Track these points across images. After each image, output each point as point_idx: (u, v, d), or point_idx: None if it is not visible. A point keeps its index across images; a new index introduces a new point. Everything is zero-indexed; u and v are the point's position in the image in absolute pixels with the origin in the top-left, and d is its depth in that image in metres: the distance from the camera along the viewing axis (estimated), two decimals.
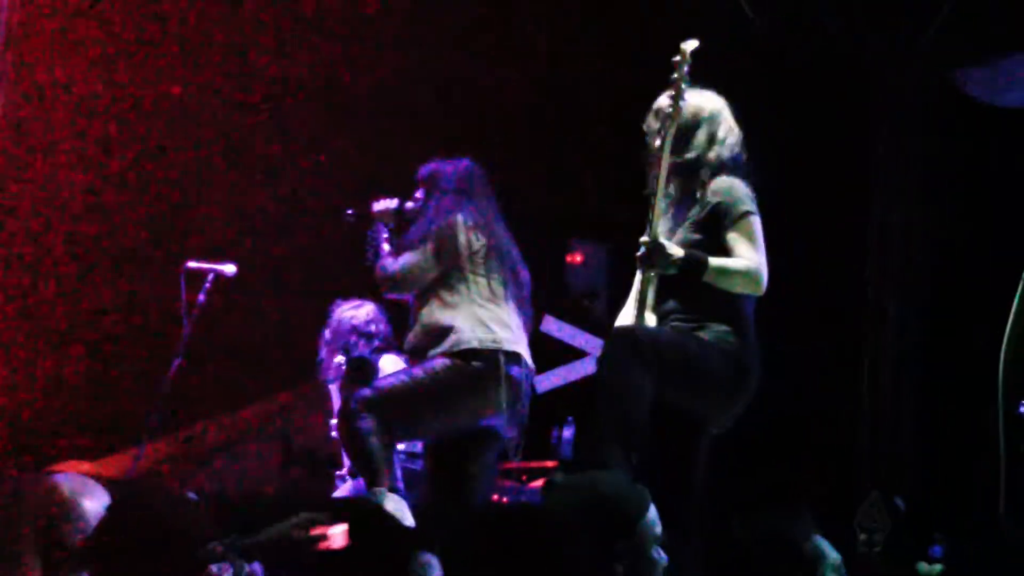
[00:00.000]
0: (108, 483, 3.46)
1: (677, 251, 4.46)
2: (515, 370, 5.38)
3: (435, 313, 5.43)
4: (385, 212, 5.70)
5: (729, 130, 4.77)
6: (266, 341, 7.87)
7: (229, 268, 6.55)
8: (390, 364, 6.44)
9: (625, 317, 4.77)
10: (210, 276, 6.50)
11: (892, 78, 9.81)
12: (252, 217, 8.31)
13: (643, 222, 4.86)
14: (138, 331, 7.83)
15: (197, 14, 8.08)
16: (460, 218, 5.49)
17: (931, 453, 8.80)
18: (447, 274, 5.45)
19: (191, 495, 3.00)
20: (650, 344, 4.41)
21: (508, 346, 5.40)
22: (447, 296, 5.45)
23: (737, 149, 4.75)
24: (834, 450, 9.28)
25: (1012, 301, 4.32)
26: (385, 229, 5.67)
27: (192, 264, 6.51)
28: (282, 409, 6.94)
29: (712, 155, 4.71)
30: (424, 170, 5.75)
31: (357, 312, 6.64)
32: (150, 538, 2.79)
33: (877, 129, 9.86)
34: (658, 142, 4.68)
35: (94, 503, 3.30)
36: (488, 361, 5.33)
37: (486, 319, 5.41)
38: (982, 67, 8.92)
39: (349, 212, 5.87)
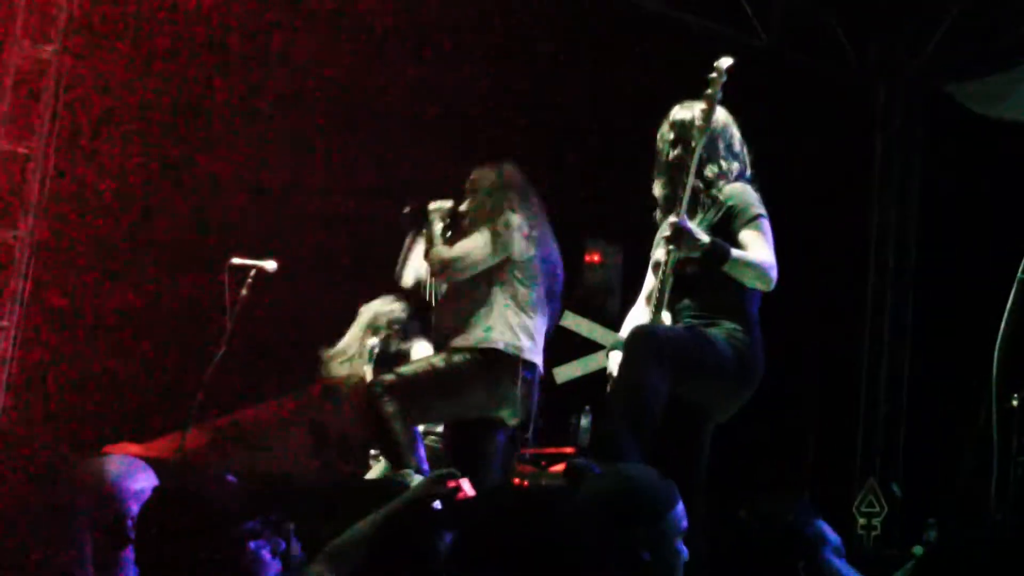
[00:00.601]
0: (155, 465, 3.47)
1: (703, 236, 4.46)
2: (528, 375, 5.39)
3: (471, 306, 5.44)
4: (440, 211, 5.66)
5: (740, 142, 4.80)
6: (305, 332, 7.88)
7: (271, 264, 6.57)
8: (421, 350, 6.45)
9: (638, 314, 4.78)
10: (252, 272, 6.50)
11: (892, 90, 9.78)
12: (294, 214, 8.31)
13: (654, 224, 4.87)
14: (185, 322, 7.84)
15: (238, 16, 8.07)
16: (518, 220, 5.46)
17: (926, 441, 8.76)
18: (493, 271, 5.42)
19: (230, 477, 2.99)
20: (669, 345, 4.42)
21: (528, 355, 5.43)
22: (487, 293, 5.45)
23: (747, 160, 4.77)
24: (833, 439, 9.25)
25: (1006, 299, 4.30)
26: (439, 227, 5.64)
27: (236, 260, 6.52)
28: (319, 396, 6.94)
29: (734, 165, 4.73)
30: (481, 171, 5.72)
31: (393, 307, 6.66)
32: (192, 517, 2.82)
33: (877, 136, 9.83)
34: (676, 152, 4.66)
35: (139, 484, 3.31)
36: (507, 365, 5.35)
37: (515, 325, 5.41)
38: (977, 81, 8.88)
39: (406, 209, 5.83)
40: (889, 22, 9.52)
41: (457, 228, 5.66)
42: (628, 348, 4.46)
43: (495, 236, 5.42)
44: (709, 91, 4.57)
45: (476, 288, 5.45)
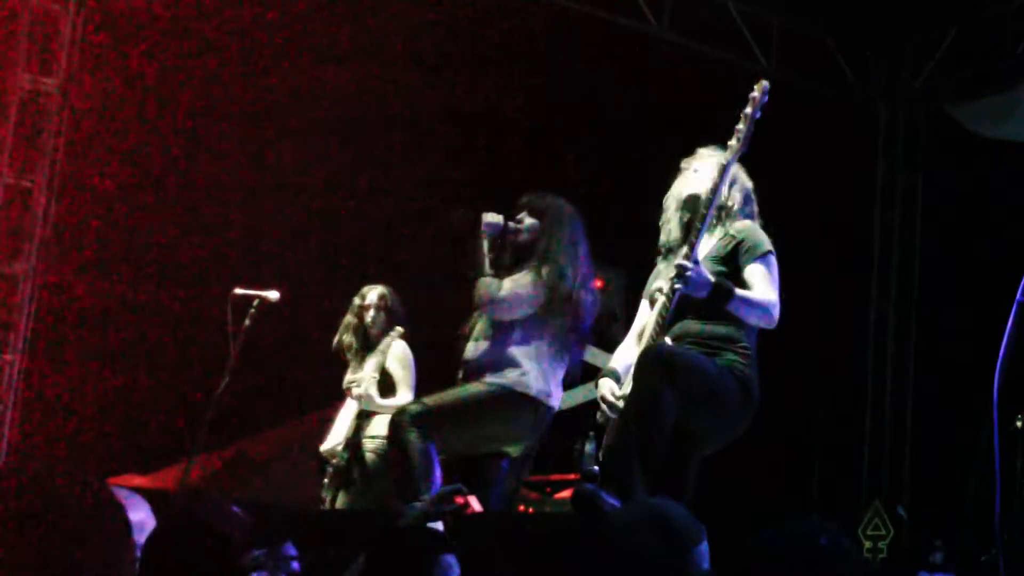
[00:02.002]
0: (160, 495, 3.49)
1: (709, 276, 4.46)
2: (545, 420, 5.43)
3: (510, 345, 5.37)
4: (491, 226, 5.63)
5: (752, 190, 4.81)
6: (306, 362, 7.89)
7: (273, 294, 6.57)
8: (397, 350, 6.44)
9: (627, 349, 4.79)
10: (255, 301, 6.51)
11: (893, 111, 9.83)
12: (295, 243, 8.34)
13: (655, 251, 4.88)
14: (189, 352, 7.86)
15: (239, 46, 8.12)
16: (571, 272, 5.44)
17: (931, 464, 8.75)
18: (536, 314, 5.40)
19: (235, 508, 3.01)
20: (683, 365, 4.41)
21: (551, 403, 5.43)
22: (527, 335, 5.39)
23: (754, 200, 4.80)
24: (839, 462, 9.25)
25: (1006, 319, 4.30)
26: (487, 242, 5.61)
27: (239, 291, 6.53)
28: (321, 425, 6.94)
29: (748, 205, 4.75)
30: (541, 200, 5.60)
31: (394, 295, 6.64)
32: (198, 547, 2.83)
33: (880, 158, 9.88)
34: (700, 180, 4.69)
35: (137, 515, 3.33)
36: (534, 410, 5.34)
37: (548, 375, 5.40)
38: (977, 101, 8.92)
39: (459, 212, 5.77)
40: (888, 45, 9.59)
41: (503, 249, 5.64)
42: (641, 370, 4.44)
43: (547, 285, 5.38)
44: (749, 110, 4.55)
45: (518, 328, 5.43)
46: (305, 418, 7.57)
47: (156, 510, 3.37)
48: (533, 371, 5.34)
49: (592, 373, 8.77)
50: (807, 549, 2.89)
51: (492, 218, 5.54)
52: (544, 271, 5.35)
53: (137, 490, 3.73)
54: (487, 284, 5.42)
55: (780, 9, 9.29)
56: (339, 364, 6.74)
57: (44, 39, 7.34)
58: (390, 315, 6.55)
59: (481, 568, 3.37)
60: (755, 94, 4.57)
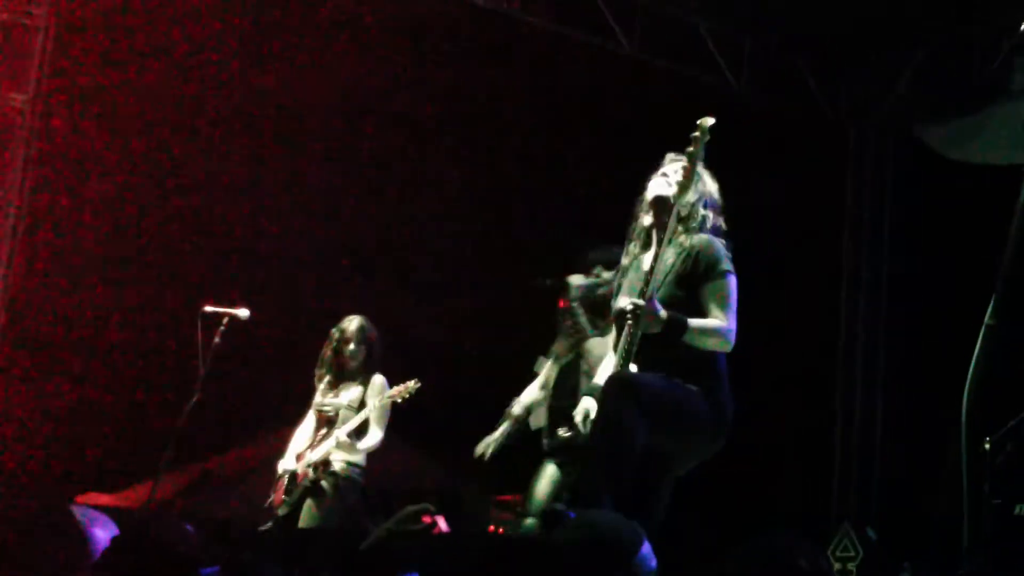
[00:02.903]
0: (124, 514, 3.46)
1: (663, 313, 4.45)
2: None
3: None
4: (582, 287, 5.65)
5: (719, 199, 4.77)
6: (275, 379, 7.86)
7: (243, 312, 6.54)
8: (377, 384, 6.45)
9: (609, 367, 4.77)
10: (225, 319, 6.48)
11: (862, 132, 9.88)
12: (265, 262, 8.31)
13: (620, 269, 4.88)
14: (157, 370, 7.81)
15: (223, 53, 8.11)
16: None
17: (900, 486, 8.77)
18: None
19: (188, 526, 2.99)
20: (647, 390, 4.40)
21: None
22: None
23: (721, 215, 4.76)
24: (808, 483, 9.25)
25: (975, 343, 4.31)
26: (580, 304, 5.65)
27: (208, 308, 6.49)
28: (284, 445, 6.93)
29: (711, 217, 4.71)
30: (611, 254, 5.56)
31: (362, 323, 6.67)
32: (149, 564, 2.81)
33: (848, 178, 9.92)
34: (661, 190, 4.67)
35: (104, 533, 3.30)
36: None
37: None
38: (944, 124, 8.97)
39: (547, 281, 5.83)
40: (858, 66, 9.63)
41: (597, 307, 5.68)
42: (607, 393, 4.44)
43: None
44: (691, 149, 4.57)
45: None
46: (274, 435, 7.51)
47: (120, 528, 3.35)
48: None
49: None
50: (786, 569, 2.88)
51: (580, 280, 5.62)
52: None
53: (101, 509, 3.70)
54: (601, 344, 5.49)
55: (751, 29, 9.33)
56: (308, 381, 6.73)
57: (14, 54, 7.29)
58: (369, 348, 6.61)
59: None
60: (696, 134, 4.57)
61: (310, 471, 6.42)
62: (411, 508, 4.07)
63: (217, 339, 6.42)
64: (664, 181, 4.71)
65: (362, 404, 6.49)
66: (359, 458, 6.51)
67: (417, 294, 8.76)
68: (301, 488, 6.39)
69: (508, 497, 7.41)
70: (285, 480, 6.47)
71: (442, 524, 3.31)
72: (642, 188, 4.80)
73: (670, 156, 4.79)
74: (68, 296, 7.80)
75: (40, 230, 7.58)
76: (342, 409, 6.48)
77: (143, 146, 8.02)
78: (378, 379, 6.54)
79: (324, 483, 6.38)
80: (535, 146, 9.06)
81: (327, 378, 6.62)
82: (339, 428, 6.43)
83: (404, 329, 7.15)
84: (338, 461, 6.44)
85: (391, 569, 3.23)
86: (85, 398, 7.84)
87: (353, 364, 6.59)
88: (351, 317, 6.69)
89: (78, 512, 3.44)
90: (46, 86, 7.12)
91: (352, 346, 6.58)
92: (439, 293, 8.97)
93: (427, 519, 3.31)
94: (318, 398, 6.61)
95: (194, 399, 6.32)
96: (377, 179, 8.71)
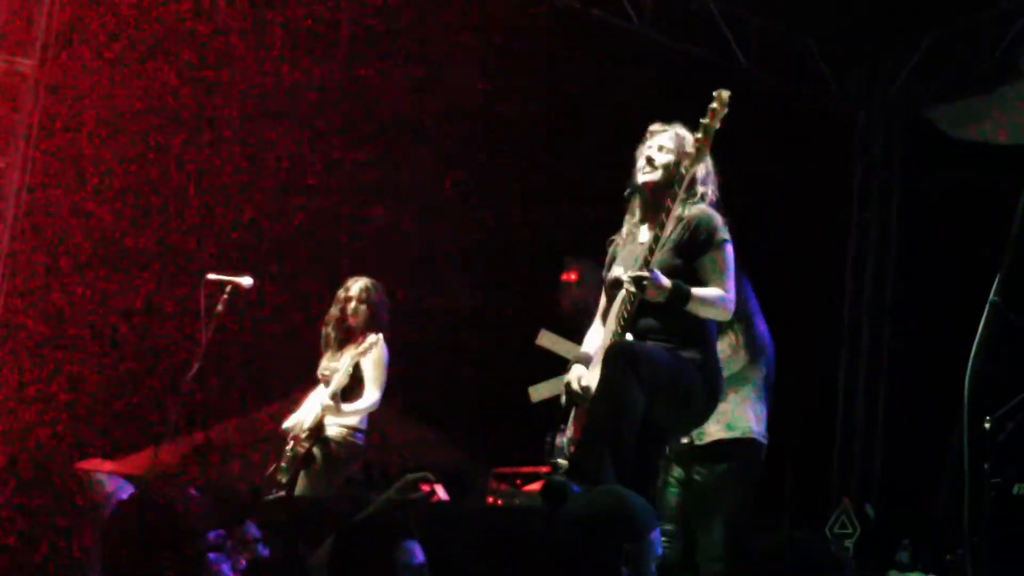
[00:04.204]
0: (128, 480, 3.45)
1: (666, 282, 4.45)
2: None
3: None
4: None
5: (714, 168, 4.77)
6: (277, 348, 7.84)
7: (246, 280, 6.51)
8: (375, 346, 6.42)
9: (596, 333, 4.77)
10: (228, 287, 6.45)
11: (871, 114, 9.82)
12: (270, 230, 8.29)
13: (614, 246, 4.86)
14: (160, 338, 7.79)
15: (222, 29, 8.07)
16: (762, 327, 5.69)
17: (900, 464, 8.76)
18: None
19: (192, 491, 2.99)
20: (647, 361, 4.40)
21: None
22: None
23: (715, 186, 4.76)
24: (809, 460, 9.24)
25: (977, 324, 4.29)
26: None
27: (212, 276, 6.46)
28: (290, 411, 6.90)
29: (710, 190, 4.71)
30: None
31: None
32: (154, 527, 2.84)
33: (857, 161, 9.87)
34: (652, 175, 4.65)
35: (122, 493, 3.31)
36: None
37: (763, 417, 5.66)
38: (954, 105, 8.93)
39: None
40: (867, 48, 9.58)
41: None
42: (607, 363, 4.43)
43: (745, 345, 5.42)
44: (707, 121, 4.54)
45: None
46: (276, 404, 7.50)
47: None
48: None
49: (563, 365, 8.75)
50: (811, 555, 2.86)
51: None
52: (739, 329, 5.42)
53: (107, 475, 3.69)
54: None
55: (761, 11, 9.27)
56: (312, 350, 6.70)
57: (20, 20, 7.26)
58: (372, 308, 6.53)
59: (447, 559, 3.33)
60: (714, 105, 4.54)
61: (302, 437, 6.34)
62: (410, 476, 4.07)
63: (220, 307, 6.39)
64: (649, 168, 4.70)
65: (357, 368, 6.39)
66: (355, 421, 6.36)
67: (423, 264, 8.74)
68: (294, 455, 6.32)
69: (507, 469, 7.42)
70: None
71: (441, 493, 3.32)
72: (632, 160, 4.80)
73: (655, 127, 4.78)
74: (71, 263, 7.78)
75: (44, 195, 7.56)
76: (339, 372, 6.38)
77: (149, 112, 7.99)
78: (371, 337, 6.38)
79: (315, 450, 6.32)
80: (538, 123, 9.01)
81: (332, 339, 6.54)
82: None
83: (407, 299, 7.10)
84: (332, 426, 6.35)
85: (391, 538, 3.22)
86: (87, 365, 7.82)
87: (355, 323, 6.51)
88: (357, 277, 6.64)
89: (94, 475, 3.44)
90: (53, 52, 7.10)
91: (354, 304, 6.48)
92: (446, 262, 8.96)
93: (426, 487, 3.30)
94: (323, 362, 6.54)
95: (196, 367, 6.29)
96: (376, 145, 8.67)
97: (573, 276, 9.23)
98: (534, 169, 8.95)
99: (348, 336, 6.50)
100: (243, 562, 2.84)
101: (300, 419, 6.45)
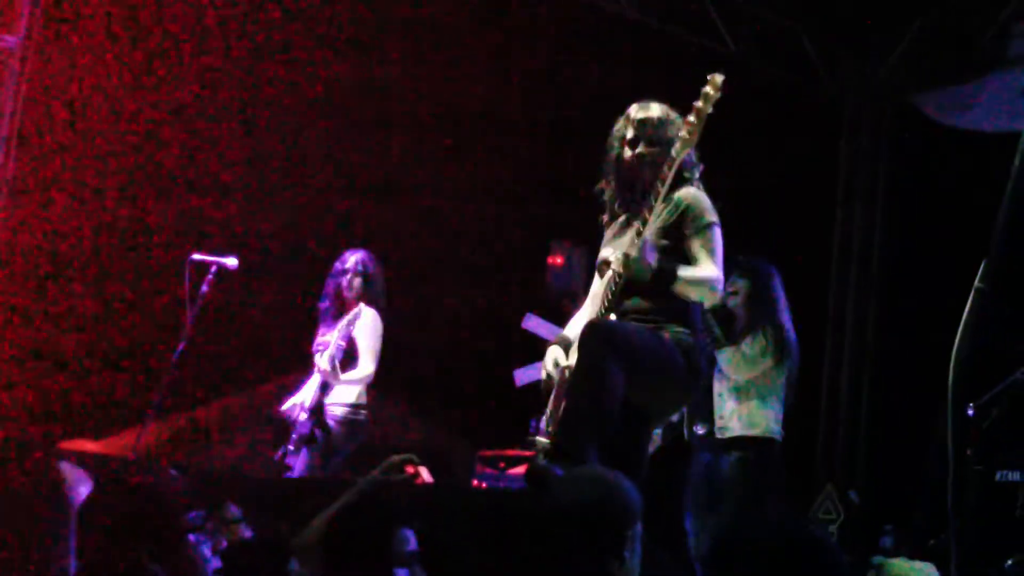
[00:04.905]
0: (103, 460, 3.43)
1: (652, 262, 4.42)
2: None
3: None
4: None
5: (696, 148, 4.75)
6: (263, 329, 7.82)
7: (231, 261, 6.50)
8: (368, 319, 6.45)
9: (582, 317, 4.77)
10: (213, 268, 6.43)
11: (858, 100, 9.80)
12: (256, 212, 8.26)
13: (600, 224, 4.85)
14: (146, 318, 7.76)
15: (208, 16, 8.02)
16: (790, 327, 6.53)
17: (884, 450, 8.78)
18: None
19: (172, 471, 2.98)
20: (624, 339, 4.37)
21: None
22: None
23: (697, 163, 4.74)
24: (793, 445, 9.25)
25: (962, 308, 4.29)
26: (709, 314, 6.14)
27: (197, 256, 6.45)
28: (276, 393, 6.89)
29: (695, 172, 4.69)
30: (746, 263, 6.25)
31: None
32: (132, 508, 2.80)
33: (843, 146, 9.86)
34: (633, 151, 4.63)
35: (85, 488, 3.28)
36: None
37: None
38: (941, 91, 8.91)
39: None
40: (856, 33, 9.55)
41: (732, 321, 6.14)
42: (585, 341, 4.39)
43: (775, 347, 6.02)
44: (700, 105, 4.49)
45: None
46: (263, 385, 7.49)
47: (99, 477, 3.32)
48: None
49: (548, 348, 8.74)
50: (793, 538, 2.83)
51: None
52: (769, 334, 6.07)
53: (87, 456, 3.67)
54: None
55: None
56: (299, 332, 6.70)
57: None
58: (367, 281, 6.54)
59: (438, 542, 3.33)
60: (707, 89, 4.51)
61: (302, 417, 6.35)
62: (395, 458, 4.05)
63: (205, 287, 6.38)
64: (632, 149, 4.66)
65: (351, 340, 6.40)
66: (353, 397, 6.40)
67: (412, 242, 8.72)
68: (298, 436, 6.33)
69: (492, 452, 7.41)
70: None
71: (425, 475, 3.31)
72: (611, 138, 4.77)
73: (635, 106, 4.75)
74: (55, 241, 7.74)
75: (29, 173, 7.51)
76: (333, 341, 6.38)
77: (135, 88, 7.94)
78: (365, 310, 6.42)
79: (318, 431, 6.34)
80: (524, 107, 8.98)
81: (328, 312, 6.58)
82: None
83: (396, 280, 7.08)
84: (336, 405, 6.37)
85: (388, 526, 3.21)
86: (72, 345, 7.79)
87: (349, 295, 6.53)
88: (354, 250, 6.64)
89: (62, 466, 3.42)
90: (37, 27, 7.04)
91: (350, 276, 6.53)
92: (434, 243, 8.94)
93: (410, 469, 3.29)
94: (318, 336, 6.57)
95: (180, 347, 6.28)
96: (369, 123, 8.64)
97: (559, 260, 9.22)
98: (514, 150, 8.93)
99: (343, 309, 6.52)
100: (224, 543, 2.82)
101: (299, 400, 6.45)
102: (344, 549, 3.14)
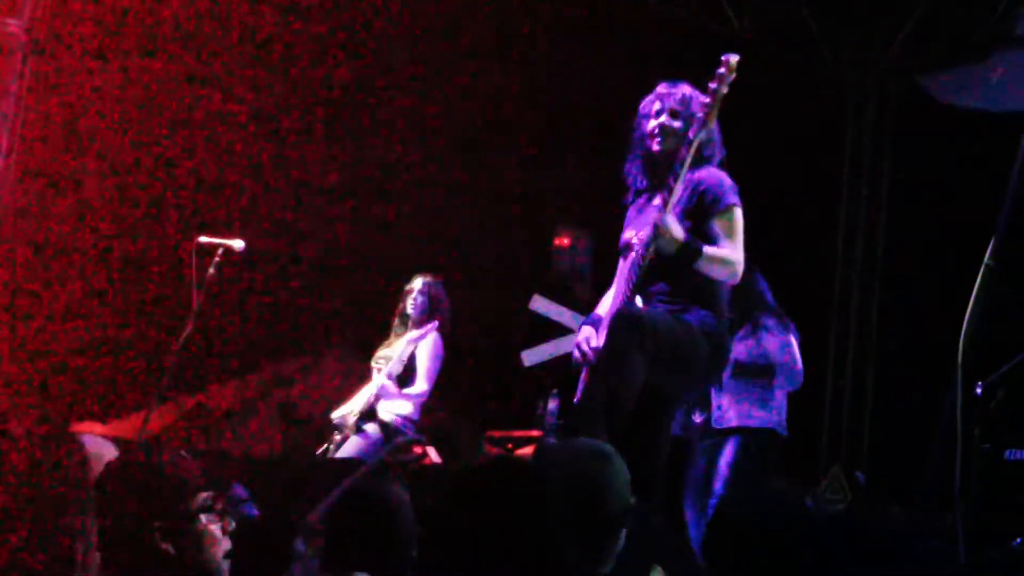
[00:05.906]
0: (119, 443, 3.46)
1: (680, 235, 4.44)
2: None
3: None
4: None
5: (718, 129, 4.75)
6: (269, 312, 7.82)
7: (238, 243, 6.49)
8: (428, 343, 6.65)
9: (608, 298, 4.79)
10: (220, 251, 6.42)
11: (864, 81, 9.76)
12: (263, 195, 8.26)
13: (623, 206, 4.85)
14: (153, 301, 7.77)
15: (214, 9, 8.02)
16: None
17: (892, 430, 8.77)
18: None
19: (183, 453, 3.01)
20: (651, 330, 4.40)
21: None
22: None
23: (720, 144, 4.74)
24: (799, 426, 9.25)
25: (971, 290, 4.28)
26: None
27: (203, 239, 6.44)
28: (285, 376, 6.91)
29: (716, 152, 4.70)
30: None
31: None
32: (144, 488, 2.87)
33: (848, 128, 9.83)
34: (659, 144, 4.62)
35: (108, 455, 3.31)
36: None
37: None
38: (948, 72, 8.87)
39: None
40: (862, 14, 9.51)
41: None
42: (612, 332, 4.44)
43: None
44: (715, 86, 4.50)
45: None
46: (267, 369, 7.50)
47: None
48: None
49: (558, 331, 8.76)
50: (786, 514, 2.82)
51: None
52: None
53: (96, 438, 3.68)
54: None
55: None
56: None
57: None
58: (432, 302, 6.83)
59: (437, 519, 3.31)
60: (722, 71, 4.51)
61: (351, 419, 6.47)
62: (404, 438, 4.06)
63: (211, 270, 6.38)
64: (661, 136, 4.66)
65: (412, 356, 6.60)
66: (407, 411, 6.53)
67: (414, 231, 8.72)
68: (342, 438, 6.46)
69: (500, 433, 7.41)
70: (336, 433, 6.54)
71: (433, 455, 3.30)
72: (638, 116, 4.77)
73: (664, 84, 4.76)
74: (62, 227, 7.74)
75: (34, 159, 7.51)
76: (393, 358, 6.61)
77: (141, 72, 7.93)
78: (429, 332, 6.65)
79: (368, 427, 6.45)
80: (527, 90, 8.97)
81: (393, 329, 6.82)
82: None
83: (401, 267, 7.10)
84: (386, 412, 6.48)
85: (391, 507, 3.21)
86: (80, 329, 7.80)
87: (414, 315, 6.77)
88: (421, 273, 6.92)
89: (84, 439, 3.45)
90: (41, 11, 7.02)
91: (415, 295, 6.80)
92: (438, 230, 8.93)
93: (419, 449, 3.30)
94: (380, 350, 6.78)
95: (187, 331, 6.28)
96: (370, 114, 8.63)
97: (565, 242, 9.21)
98: (521, 133, 8.91)
99: (407, 327, 6.82)
100: (232, 523, 2.86)
101: (350, 409, 6.55)
102: (345, 531, 3.15)
